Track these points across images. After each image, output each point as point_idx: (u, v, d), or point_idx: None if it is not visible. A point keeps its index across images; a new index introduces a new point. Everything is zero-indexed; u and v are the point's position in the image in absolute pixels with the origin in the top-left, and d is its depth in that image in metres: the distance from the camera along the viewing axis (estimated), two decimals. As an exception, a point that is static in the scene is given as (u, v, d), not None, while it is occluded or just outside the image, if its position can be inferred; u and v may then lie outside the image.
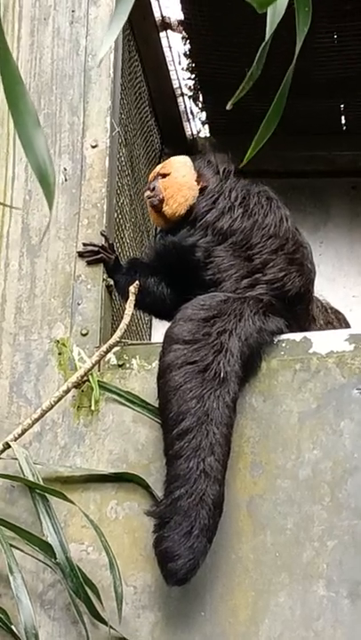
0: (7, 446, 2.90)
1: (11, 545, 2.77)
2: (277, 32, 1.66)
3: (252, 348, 2.91)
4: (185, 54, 4.55)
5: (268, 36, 1.57)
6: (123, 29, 3.51)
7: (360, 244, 4.67)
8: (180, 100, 4.68)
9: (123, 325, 3.02)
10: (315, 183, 4.72)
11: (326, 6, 3.99)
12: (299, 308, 3.13)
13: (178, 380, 2.85)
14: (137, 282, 3.13)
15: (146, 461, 2.93)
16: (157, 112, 4.51)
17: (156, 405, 2.92)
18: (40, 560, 2.81)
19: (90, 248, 3.14)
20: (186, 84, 4.68)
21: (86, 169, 3.24)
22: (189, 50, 4.52)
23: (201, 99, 4.76)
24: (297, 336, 3.00)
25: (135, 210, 4.00)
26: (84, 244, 3.14)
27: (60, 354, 3.07)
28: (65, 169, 3.24)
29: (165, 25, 4.38)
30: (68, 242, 3.17)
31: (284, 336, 2.99)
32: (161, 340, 2.99)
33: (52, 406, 2.93)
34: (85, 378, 2.97)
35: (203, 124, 4.86)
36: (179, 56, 4.54)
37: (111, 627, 2.75)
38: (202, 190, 3.23)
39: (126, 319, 3.03)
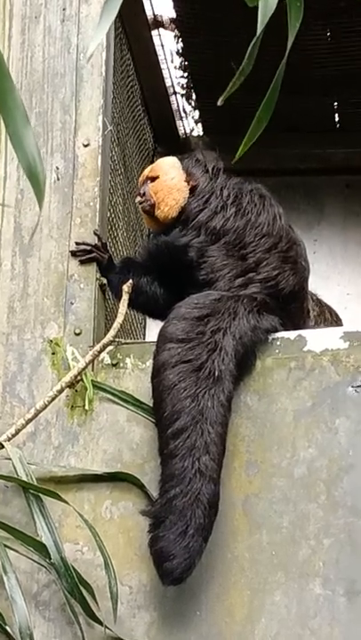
0: (1, 446, 2.88)
1: (5, 545, 2.75)
2: (270, 28, 1.65)
3: (246, 346, 2.90)
4: (177, 52, 4.54)
5: (259, 30, 1.56)
6: (114, 28, 3.51)
7: (354, 242, 4.66)
8: (172, 98, 4.66)
9: (116, 324, 3.00)
10: (309, 181, 4.71)
11: (320, 3, 3.98)
12: (293, 306, 3.12)
13: (172, 379, 2.83)
14: (130, 281, 3.11)
15: (140, 461, 2.91)
16: (150, 110, 4.50)
17: (151, 405, 2.91)
18: (34, 560, 2.79)
19: (82, 247, 3.13)
20: (178, 83, 4.67)
21: (78, 168, 3.23)
22: (182, 48, 4.51)
23: (194, 97, 4.75)
24: (291, 334, 2.99)
25: (128, 209, 3.99)
26: (77, 243, 3.13)
27: (53, 353, 3.06)
28: (57, 168, 3.22)
29: (157, 23, 4.36)
30: (61, 241, 3.16)
31: (278, 334, 2.98)
32: (155, 340, 2.98)
33: (46, 406, 2.92)
34: (79, 377, 2.96)
35: (196, 122, 4.84)
36: (171, 54, 4.53)
37: (107, 627, 2.74)
38: (192, 190, 3.21)
39: (120, 318, 3.02)
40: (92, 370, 3.01)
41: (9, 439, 2.89)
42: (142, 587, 2.83)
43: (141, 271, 3.17)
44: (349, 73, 4.39)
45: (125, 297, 3.06)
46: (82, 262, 3.13)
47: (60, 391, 2.93)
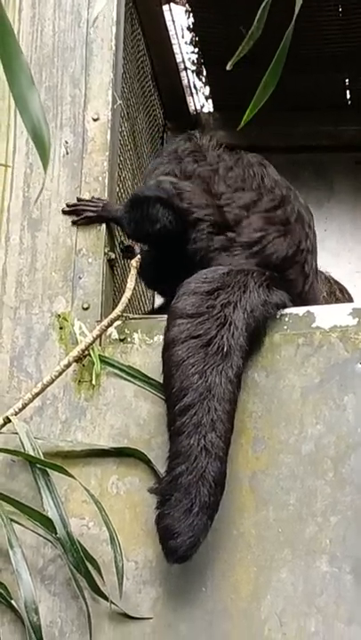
0: (8, 421, 2.88)
1: (11, 519, 2.75)
2: (280, 3, 1.64)
3: (257, 320, 2.88)
4: (188, 28, 4.51)
5: None
6: (125, 2, 3.49)
7: (364, 220, 4.65)
8: (183, 74, 4.64)
9: (124, 299, 2.99)
10: (319, 158, 4.69)
11: (332, -21, 3.96)
12: (290, 272, 3.07)
13: (181, 355, 2.82)
14: (139, 256, 3.10)
15: (147, 436, 2.91)
16: (160, 86, 4.47)
17: (158, 380, 2.90)
18: (40, 535, 2.79)
19: (72, 209, 3.11)
20: (189, 58, 4.64)
21: (88, 142, 3.21)
22: (193, 23, 4.48)
23: (204, 73, 4.72)
24: (300, 310, 2.97)
25: (137, 184, 3.97)
26: (67, 205, 3.11)
27: (61, 328, 3.05)
28: (66, 142, 3.21)
29: (168, -2, 4.35)
30: (70, 215, 3.15)
31: (287, 310, 2.97)
32: (163, 315, 2.97)
33: (53, 380, 2.91)
34: (86, 352, 2.95)
35: (206, 98, 4.82)
36: (182, 29, 4.51)
37: (112, 602, 2.74)
38: None
39: (128, 293, 3.01)
40: (100, 345, 3.00)
41: (16, 413, 2.89)
42: (148, 562, 2.82)
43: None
44: (360, 50, 4.36)
45: (133, 271, 3.05)
46: (77, 224, 3.10)
47: (68, 366, 2.93)
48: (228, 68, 1.63)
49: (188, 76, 4.69)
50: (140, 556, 2.83)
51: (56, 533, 2.74)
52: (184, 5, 4.41)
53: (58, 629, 2.81)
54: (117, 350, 3.00)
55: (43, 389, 2.92)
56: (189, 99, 4.75)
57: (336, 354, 2.89)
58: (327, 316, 2.93)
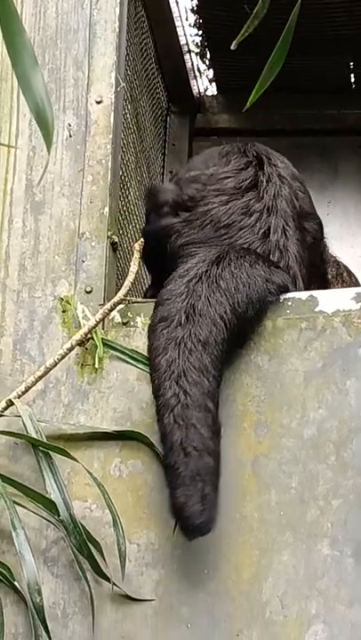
0: (10, 403, 2.89)
1: (14, 502, 2.76)
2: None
3: (227, 284, 2.89)
4: (192, 10, 4.50)
5: None
6: (129, -16, 3.48)
7: (369, 204, 4.64)
8: (186, 57, 4.62)
9: (127, 283, 2.99)
10: (323, 141, 4.69)
11: None
12: None
13: (151, 341, 2.86)
14: (142, 239, 3.10)
15: (150, 420, 2.91)
16: (164, 69, 4.46)
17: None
18: (43, 517, 2.80)
19: None
20: (193, 41, 4.63)
21: (91, 125, 3.21)
22: (197, 5, 4.47)
23: (208, 56, 4.71)
24: (303, 294, 2.97)
25: (141, 167, 3.97)
26: None
27: (63, 311, 3.05)
28: (69, 124, 3.20)
29: (172, -20, 4.33)
30: (73, 198, 3.14)
31: (289, 294, 2.97)
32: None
33: (56, 364, 2.91)
34: (89, 335, 2.95)
35: (210, 81, 4.81)
36: (186, 12, 4.49)
37: (114, 584, 2.75)
38: None
39: (131, 277, 3.01)
40: (103, 328, 3.00)
41: (19, 396, 2.89)
42: (150, 545, 2.83)
43: None
44: (365, 32, 4.35)
45: (137, 255, 3.05)
46: None
47: (71, 349, 2.93)
48: (232, 47, 1.63)
49: (191, 59, 4.67)
50: (142, 539, 2.84)
51: (59, 516, 2.75)
52: (188, -13, 4.40)
53: (60, 610, 2.82)
54: (120, 334, 3.01)
55: (45, 373, 2.92)
56: (193, 81, 4.73)
57: (339, 338, 2.89)
58: (330, 300, 2.93)
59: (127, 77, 3.62)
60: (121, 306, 3.01)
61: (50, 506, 2.77)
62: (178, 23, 4.41)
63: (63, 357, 2.92)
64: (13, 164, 3.21)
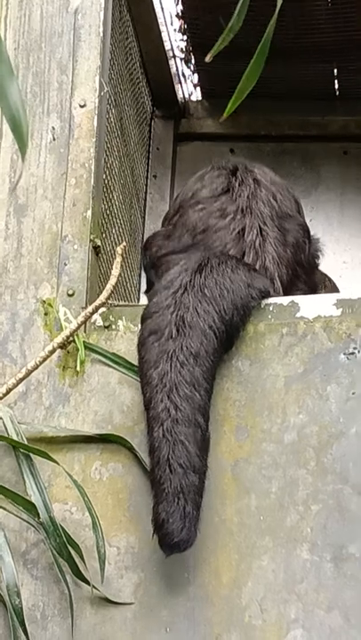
0: (-9, 405, 2.89)
1: (-6, 504, 2.77)
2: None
3: (221, 298, 2.90)
4: (177, 15, 4.49)
5: None
6: (114, -12, 3.48)
7: (351, 210, 4.64)
8: (171, 62, 4.62)
9: (109, 286, 3.00)
10: (307, 147, 4.70)
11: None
12: None
13: (141, 354, 2.86)
14: (124, 243, 3.11)
15: (131, 423, 2.92)
16: (148, 74, 4.46)
17: (141, 366, 2.91)
18: (23, 519, 2.80)
19: None
20: (178, 46, 4.63)
21: (74, 128, 3.21)
22: (182, 11, 4.47)
23: (193, 61, 4.71)
24: (284, 300, 2.99)
25: (125, 172, 3.97)
26: None
27: (46, 314, 3.05)
28: (53, 128, 3.21)
29: (158, -16, 4.32)
30: (56, 201, 3.15)
31: (271, 300, 2.98)
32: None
33: (38, 366, 2.92)
34: (71, 338, 2.96)
35: (194, 86, 4.80)
36: (171, 17, 4.49)
37: (94, 586, 2.75)
38: None
39: (113, 280, 3.01)
40: (85, 331, 3.01)
41: (0, 398, 2.89)
42: (130, 548, 2.83)
43: None
44: (349, 40, 4.36)
45: (119, 259, 3.05)
46: None
47: (52, 352, 2.93)
48: (207, 59, 1.64)
49: (176, 64, 4.67)
50: (122, 542, 2.84)
51: (39, 518, 2.75)
52: (173, -8, 4.40)
53: (40, 613, 2.82)
54: (102, 337, 3.01)
55: (27, 375, 2.92)
56: (178, 86, 4.73)
57: (320, 344, 2.90)
58: (312, 306, 2.94)
59: (111, 82, 3.63)
60: (103, 309, 3.01)
61: (30, 508, 2.77)
62: (163, 28, 4.41)
63: (45, 360, 2.92)
64: (-4, 166, 3.21)
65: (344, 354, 2.87)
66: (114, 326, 3.02)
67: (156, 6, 4.27)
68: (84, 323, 2.98)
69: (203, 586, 2.78)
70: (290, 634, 2.73)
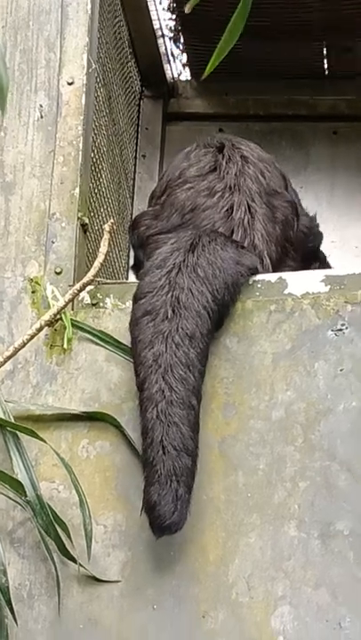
0: (-22, 384, 2.88)
1: (-20, 482, 2.76)
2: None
3: (214, 277, 2.89)
4: (166, -6, 4.48)
5: None
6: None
7: (340, 190, 4.64)
8: (160, 41, 4.60)
9: (97, 264, 2.99)
10: (296, 127, 4.68)
11: None
12: None
13: (135, 334, 2.84)
14: (112, 220, 3.10)
15: (118, 401, 2.91)
16: (137, 53, 4.44)
17: (130, 345, 2.89)
18: (10, 498, 2.79)
19: None
20: (167, 25, 4.60)
21: (62, 106, 3.20)
22: (171, -11, 4.45)
23: (182, 40, 4.69)
24: (272, 277, 2.98)
25: (113, 150, 3.95)
26: None
27: (33, 292, 3.04)
28: (41, 106, 3.20)
29: None
30: (43, 179, 3.14)
31: (259, 277, 2.97)
32: (135, 281, 2.98)
33: (25, 344, 2.91)
34: (58, 316, 2.95)
35: (183, 66, 4.78)
36: (160, -5, 4.47)
37: (81, 565, 2.75)
38: None
39: (100, 258, 3.00)
40: (72, 309, 3.00)
41: (-13, 377, 2.89)
42: (117, 526, 2.83)
43: None
44: (338, 18, 4.34)
45: (107, 236, 3.04)
46: None
47: (39, 330, 2.92)
48: (186, 10, 1.63)
49: (165, 43, 4.65)
50: (109, 520, 2.83)
51: (26, 496, 2.75)
52: (162, -29, 4.37)
53: (26, 592, 2.82)
54: (89, 315, 3.00)
55: (14, 353, 2.91)
56: (167, 66, 4.71)
57: (308, 320, 2.90)
58: (299, 282, 2.94)
59: (100, 60, 3.61)
60: (90, 287, 3.01)
61: (17, 486, 2.76)
62: (152, 7, 4.39)
63: (32, 338, 2.91)
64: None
65: (332, 330, 2.87)
66: (101, 304, 3.01)
67: (144, -16, 4.25)
68: (72, 300, 2.97)
69: (190, 563, 2.78)
70: (277, 611, 2.73)
